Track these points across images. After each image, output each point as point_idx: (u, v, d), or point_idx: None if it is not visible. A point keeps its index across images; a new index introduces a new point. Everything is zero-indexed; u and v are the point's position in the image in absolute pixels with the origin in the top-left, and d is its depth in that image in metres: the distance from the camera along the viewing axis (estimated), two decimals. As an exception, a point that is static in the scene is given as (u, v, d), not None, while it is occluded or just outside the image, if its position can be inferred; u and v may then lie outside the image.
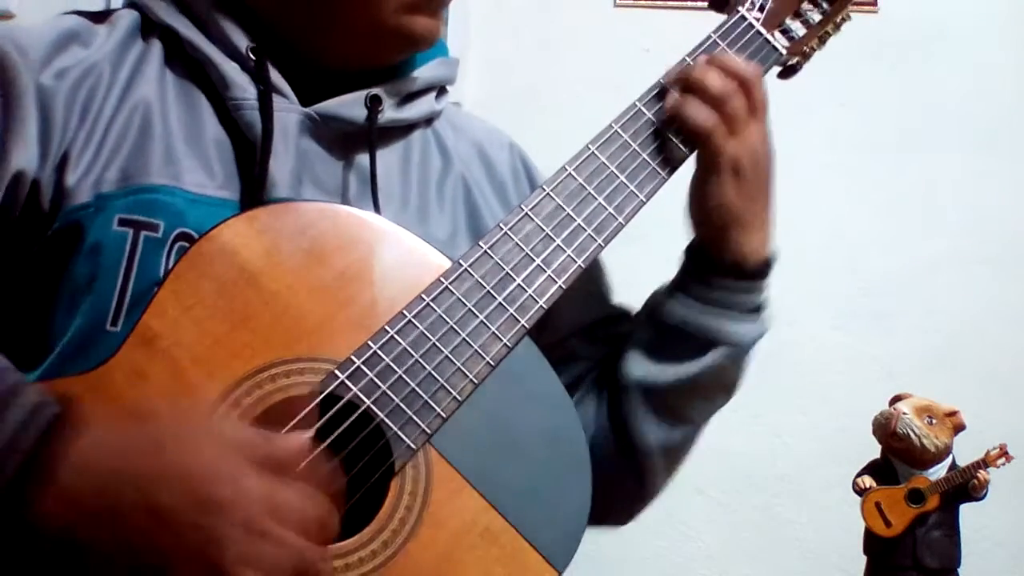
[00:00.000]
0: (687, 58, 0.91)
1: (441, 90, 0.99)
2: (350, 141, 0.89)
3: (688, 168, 0.91)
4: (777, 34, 0.95)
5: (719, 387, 0.93)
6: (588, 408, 0.95)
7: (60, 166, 0.81)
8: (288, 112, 0.86)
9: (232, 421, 0.70)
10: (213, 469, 0.63)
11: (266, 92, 0.85)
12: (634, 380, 0.92)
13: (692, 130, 0.87)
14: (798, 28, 0.96)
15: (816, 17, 0.97)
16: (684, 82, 0.88)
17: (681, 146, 0.89)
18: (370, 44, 0.90)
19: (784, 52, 0.95)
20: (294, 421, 0.73)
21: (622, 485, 0.94)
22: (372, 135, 0.89)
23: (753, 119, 0.88)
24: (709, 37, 0.92)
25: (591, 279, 0.99)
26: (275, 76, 0.87)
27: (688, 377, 0.91)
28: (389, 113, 0.91)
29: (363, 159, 0.89)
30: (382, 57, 0.92)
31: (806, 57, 0.98)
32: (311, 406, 0.74)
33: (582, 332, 0.98)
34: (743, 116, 0.87)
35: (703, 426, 0.95)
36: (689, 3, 2.39)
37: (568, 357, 0.96)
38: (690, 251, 0.94)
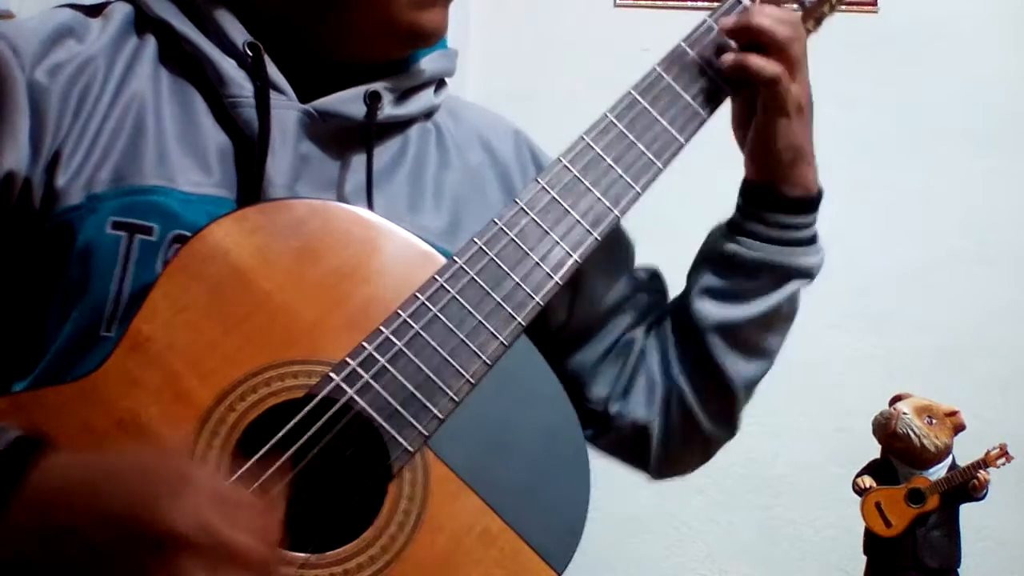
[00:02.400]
0: (683, 44, 0.91)
1: (440, 83, 0.98)
2: (348, 138, 0.89)
3: (687, 159, 0.91)
4: None
5: (790, 316, 0.97)
6: (651, 366, 0.97)
7: (51, 166, 0.80)
8: (286, 109, 0.85)
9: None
10: (165, 483, 0.64)
11: (264, 89, 0.85)
12: (713, 323, 0.94)
13: (763, 78, 0.88)
14: (795, 11, 0.96)
15: None
16: (747, 32, 0.89)
17: (678, 135, 0.88)
18: (378, 39, 0.89)
19: None
20: (288, 426, 0.73)
21: (700, 434, 0.96)
22: (371, 132, 0.88)
23: (805, 60, 0.91)
24: (704, 22, 0.92)
25: (624, 254, 1.01)
26: (273, 72, 0.86)
27: (765, 312, 0.94)
28: (388, 109, 0.90)
29: (361, 156, 0.88)
30: (388, 52, 0.92)
31: None
32: (305, 410, 0.73)
33: (622, 300, 0.99)
34: (803, 58, 0.90)
35: (777, 354, 0.99)
36: (689, 3, 2.39)
37: (608, 321, 0.98)
38: (746, 192, 0.95)
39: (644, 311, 1.00)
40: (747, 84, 0.90)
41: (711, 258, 0.96)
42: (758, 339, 0.95)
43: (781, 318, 0.96)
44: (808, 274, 0.95)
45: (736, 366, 0.94)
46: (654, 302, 1.01)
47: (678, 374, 0.95)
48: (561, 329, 0.95)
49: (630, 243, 1.01)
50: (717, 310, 0.94)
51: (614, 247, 0.97)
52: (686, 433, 0.96)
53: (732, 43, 0.90)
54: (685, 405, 0.95)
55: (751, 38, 0.89)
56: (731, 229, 0.95)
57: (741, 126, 0.94)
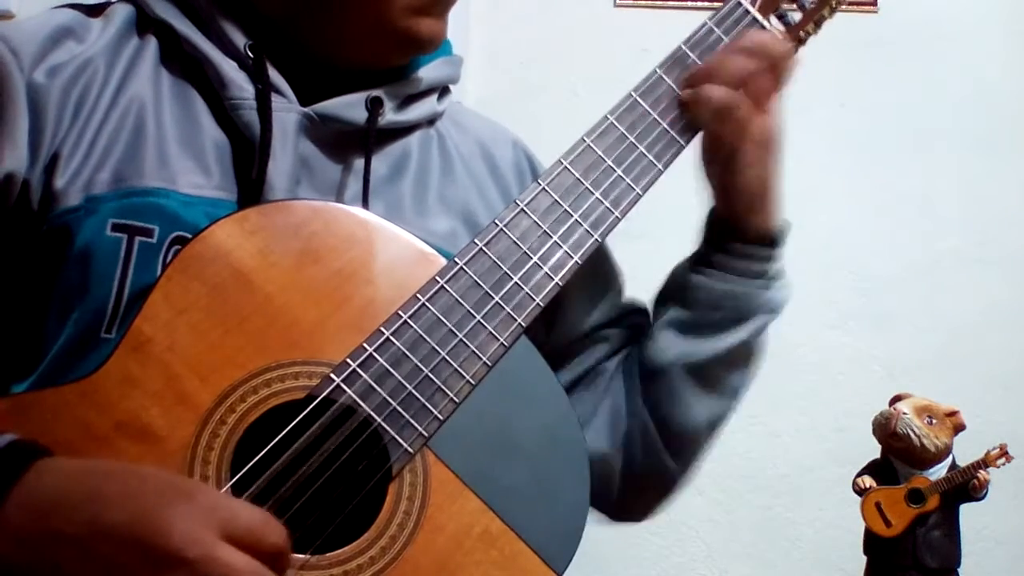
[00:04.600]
0: (683, 46, 0.91)
1: (444, 90, 0.98)
2: (349, 142, 0.89)
3: (688, 159, 0.91)
4: (773, 19, 0.95)
5: (755, 353, 0.96)
6: (617, 398, 0.95)
7: (49, 167, 0.80)
8: (287, 112, 0.86)
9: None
10: (161, 497, 0.63)
11: (265, 91, 0.85)
12: (672, 359, 0.93)
13: (715, 108, 0.87)
14: (793, 13, 0.96)
15: (811, 1, 0.97)
16: (711, 68, 0.88)
17: (678, 137, 0.88)
18: (375, 46, 0.89)
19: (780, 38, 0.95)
20: (289, 427, 0.73)
21: (661, 471, 0.95)
22: (370, 138, 0.88)
23: (777, 94, 0.90)
24: (704, 24, 0.92)
25: (608, 279, 1.00)
26: (274, 75, 0.86)
27: (729, 348, 0.92)
28: (390, 115, 0.90)
29: (361, 161, 0.88)
30: (386, 59, 0.92)
31: (802, 42, 0.98)
32: (306, 412, 0.73)
33: (603, 326, 0.98)
34: (769, 92, 0.89)
35: (742, 395, 0.97)
36: (689, 3, 2.39)
37: (585, 348, 0.97)
38: (712, 225, 0.95)
39: (621, 342, 0.99)
40: (708, 119, 0.88)
41: (676, 290, 0.95)
42: (722, 375, 0.94)
43: (745, 355, 0.94)
44: (774, 309, 0.94)
45: (698, 402, 0.93)
46: (633, 334, 0.99)
47: (641, 407, 0.94)
48: (538, 348, 0.95)
49: (617, 271, 1.01)
50: (680, 343, 0.93)
51: (599, 273, 0.97)
52: (647, 468, 0.94)
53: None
54: (648, 439, 0.94)
55: (716, 71, 0.88)
56: (696, 261, 0.94)
57: (709, 160, 0.93)
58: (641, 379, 0.95)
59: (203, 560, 0.61)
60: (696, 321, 0.93)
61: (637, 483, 0.95)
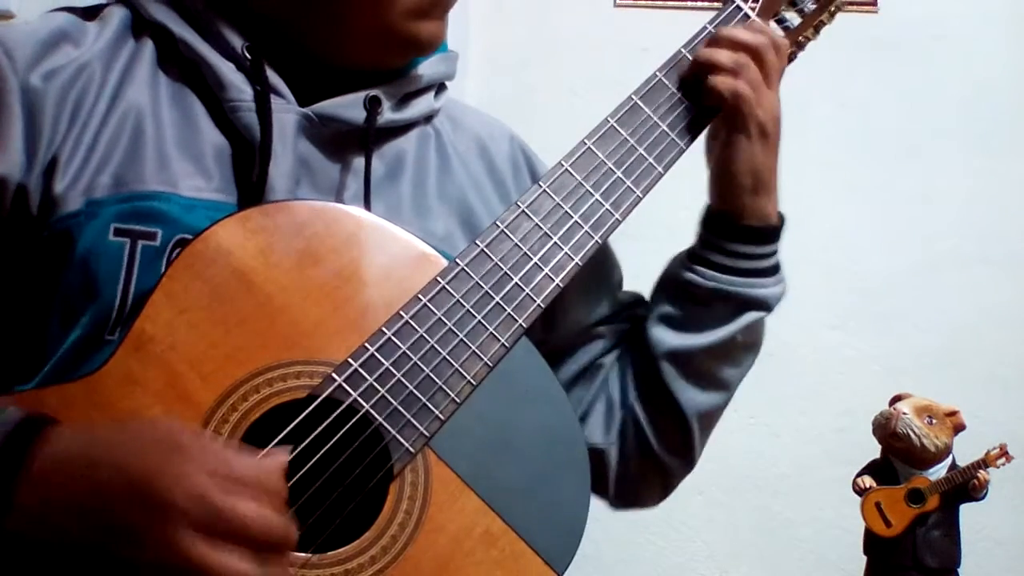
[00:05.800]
0: (683, 50, 0.91)
1: (440, 87, 0.99)
2: (348, 142, 0.89)
3: (688, 160, 0.92)
4: (773, 24, 0.96)
5: (748, 347, 0.96)
6: (612, 392, 0.96)
7: (48, 171, 0.80)
8: (286, 113, 0.86)
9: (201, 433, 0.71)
10: (163, 458, 0.64)
11: (263, 93, 0.85)
12: (666, 350, 0.94)
13: (726, 96, 0.89)
14: (793, 17, 0.97)
15: (811, 6, 0.97)
16: (700, 60, 0.90)
17: (679, 139, 0.89)
18: (375, 48, 0.90)
19: None
20: (291, 426, 0.73)
21: (655, 464, 0.96)
22: (370, 137, 0.88)
23: (768, 85, 0.91)
24: (704, 28, 0.93)
25: (607, 274, 1.01)
26: (272, 76, 0.86)
27: (719, 342, 0.93)
28: (388, 114, 0.90)
29: (361, 160, 0.89)
30: (386, 61, 0.92)
31: (801, 47, 0.99)
32: (308, 411, 0.73)
33: (603, 321, 0.99)
34: (759, 83, 0.90)
35: (735, 389, 0.97)
36: (689, 3, 2.39)
37: (584, 343, 0.98)
38: (708, 220, 0.95)
39: (619, 336, 1.00)
40: (717, 105, 0.90)
41: (668, 285, 0.96)
42: (712, 369, 0.94)
43: (737, 349, 0.95)
44: (764, 306, 0.94)
45: (688, 395, 0.94)
46: (632, 328, 1.00)
47: (634, 400, 0.95)
48: (538, 346, 0.95)
49: (616, 265, 1.01)
50: (671, 338, 0.94)
51: (599, 268, 0.97)
52: (642, 461, 0.95)
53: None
54: (641, 432, 0.95)
55: (708, 66, 0.89)
56: (689, 257, 0.95)
57: (710, 150, 0.94)
58: (633, 372, 0.96)
59: (208, 515, 0.61)
60: (685, 317, 0.94)
61: (633, 476, 0.96)
